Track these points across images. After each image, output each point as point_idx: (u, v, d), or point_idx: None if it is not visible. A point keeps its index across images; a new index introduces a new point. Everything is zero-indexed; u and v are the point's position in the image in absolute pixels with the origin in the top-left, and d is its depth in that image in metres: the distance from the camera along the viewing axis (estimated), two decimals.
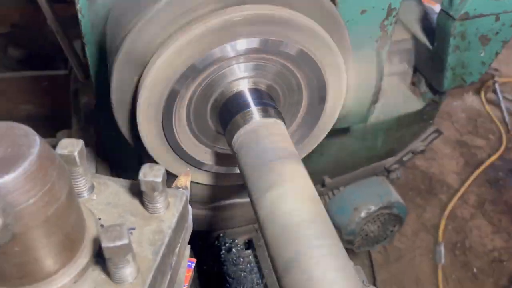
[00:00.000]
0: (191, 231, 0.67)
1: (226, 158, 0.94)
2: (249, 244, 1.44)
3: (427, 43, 1.59)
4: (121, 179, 0.65)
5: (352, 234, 1.96)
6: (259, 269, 1.32)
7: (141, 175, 0.55)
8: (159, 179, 0.55)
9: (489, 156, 3.79)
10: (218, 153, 0.93)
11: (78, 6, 1.00)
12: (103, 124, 1.32)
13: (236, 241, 1.47)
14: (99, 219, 0.56)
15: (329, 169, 1.86)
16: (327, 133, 0.99)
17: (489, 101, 4.28)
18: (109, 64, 0.89)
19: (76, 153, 0.53)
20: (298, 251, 0.58)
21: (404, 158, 1.93)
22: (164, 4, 0.74)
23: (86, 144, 1.57)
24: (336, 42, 0.84)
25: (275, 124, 0.77)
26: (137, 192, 0.60)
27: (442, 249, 3.13)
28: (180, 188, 0.66)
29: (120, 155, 1.33)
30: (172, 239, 0.58)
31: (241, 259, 1.36)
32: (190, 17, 0.74)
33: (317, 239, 0.59)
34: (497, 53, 1.52)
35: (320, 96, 0.88)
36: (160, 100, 0.79)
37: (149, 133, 0.83)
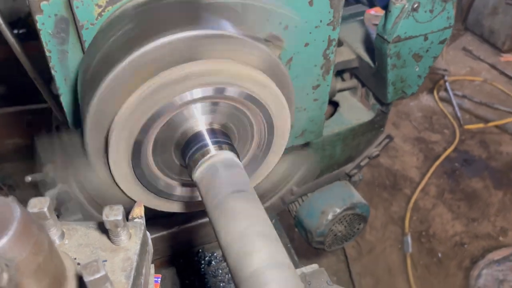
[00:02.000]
0: (152, 253, 0.74)
1: (193, 187, 1.01)
2: None
3: (370, 62, 1.69)
4: (87, 222, 0.72)
5: (322, 235, 2.04)
6: None
7: (104, 216, 0.63)
8: (120, 217, 0.63)
9: (445, 149, 3.94)
10: (185, 183, 1.01)
11: (51, 64, 1.06)
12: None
13: (215, 253, 1.53)
14: (75, 258, 0.63)
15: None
16: (277, 161, 1.07)
17: (442, 99, 4.46)
18: (82, 118, 0.96)
19: (45, 209, 0.60)
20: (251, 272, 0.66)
21: (362, 163, 2.02)
22: (126, 64, 0.82)
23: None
24: (277, 82, 0.93)
25: (230, 159, 0.84)
26: (102, 229, 0.68)
27: (409, 239, 3.25)
28: (136, 218, 0.73)
29: None
30: (139, 263, 0.66)
31: (220, 271, 1.43)
32: (146, 74, 0.82)
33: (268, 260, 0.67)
34: (430, 67, 1.63)
35: (269, 131, 0.97)
36: (128, 146, 0.86)
37: (123, 177, 0.90)
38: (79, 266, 0.62)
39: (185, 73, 0.81)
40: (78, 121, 1.17)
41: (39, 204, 0.60)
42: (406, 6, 1.39)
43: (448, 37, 1.55)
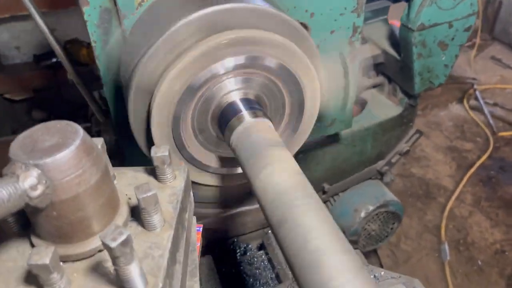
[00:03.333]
0: (193, 207, 0.79)
1: (229, 161, 1.06)
2: (261, 246, 1.53)
3: (396, 55, 1.73)
4: (135, 167, 0.77)
5: (356, 234, 2.04)
6: (272, 265, 1.40)
7: (152, 153, 0.69)
8: (166, 153, 0.69)
9: (479, 157, 3.86)
10: (221, 156, 1.05)
11: (96, 53, 1.15)
12: (124, 153, 1.44)
13: (250, 245, 1.56)
14: (126, 194, 0.69)
15: (327, 176, 1.97)
16: (308, 135, 1.11)
17: (473, 108, 4.40)
18: (125, 96, 1.03)
19: (99, 146, 0.64)
20: (287, 210, 0.68)
21: (393, 160, 2.03)
22: (161, 42, 0.89)
23: None
24: (306, 54, 0.98)
25: (264, 122, 0.89)
26: (149, 172, 0.73)
27: (446, 247, 3.16)
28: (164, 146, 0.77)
29: None
30: (183, 200, 0.71)
31: (255, 259, 1.45)
32: (182, 48, 0.89)
33: (302, 199, 0.70)
34: (456, 56, 1.65)
35: (299, 103, 1.01)
36: (168, 119, 0.92)
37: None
38: (130, 199, 0.67)
39: (217, 43, 0.87)
40: (119, 108, 1.25)
41: (95, 140, 0.65)
42: None
43: (472, 24, 1.57)
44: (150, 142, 1.02)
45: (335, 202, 2.10)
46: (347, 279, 0.61)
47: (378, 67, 1.92)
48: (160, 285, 0.55)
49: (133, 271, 0.51)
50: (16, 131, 4.27)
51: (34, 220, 0.57)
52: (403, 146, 1.99)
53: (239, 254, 1.49)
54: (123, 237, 0.48)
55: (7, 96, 4.30)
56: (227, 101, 0.94)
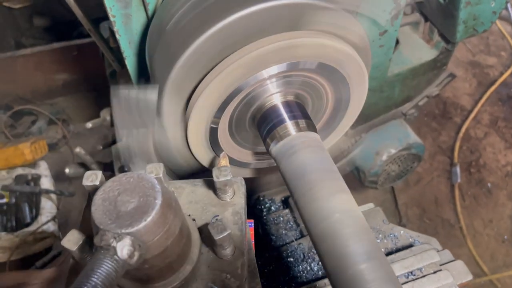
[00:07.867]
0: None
1: (266, 155, 1.01)
2: (285, 203, 1.55)
3: None
4: (190, 180, 0.75)
5: (376, 175, 2.04)
6: (297, 225, 1.43)
7: (215, 178, 0.67)
8: (229, 177, 0.68)
9: (502, 73, 3.71)
10: (258, 152, 1.00)
11: (115, 28, 1.03)
12: None
13: (274, 199, 1.57)
14: (189, 215, 0.69)
15: None
16: (350, 125, 1.04)
17: (500, 17, 4.10)
18: (152, 81, 0.94)
19: (161, 175, 0.64)
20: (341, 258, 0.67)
21: (420, 103, 1.95)
22: (212, 32, 0.77)
23: None
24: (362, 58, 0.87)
25: (309, 136, 0.82)
26: (207, 186, 0.72)
27: (458, 169, 3.20)
28: (224, 167, 0.75)
29: None
30: (245, 215, 0.71)
31: (281, 218, 1.47)
32: (229, 51, 0.78)
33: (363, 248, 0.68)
34: (507, 1, 1.48)
35: (344, 99, 0.93)
36: (207, 119, 0.85)
37: (199, 148, 0.90)
38: (194, 221, 0.68)
39: (265, 50, 0.76)
40: (143, 81, 1.16)
41: (155, 170, 0.64)
42: None
43: None
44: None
45: (356, 143, 2.07)
46: None
47: (415, 4, 1.74)
48: None
49: None
50: (19, 42, 4.11)
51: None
52: (433, 90, 1.89)
53: (265, 213, 1.51)
54: None
55: (5, 4, 4.04)
56: (268, 104, 0.86)
